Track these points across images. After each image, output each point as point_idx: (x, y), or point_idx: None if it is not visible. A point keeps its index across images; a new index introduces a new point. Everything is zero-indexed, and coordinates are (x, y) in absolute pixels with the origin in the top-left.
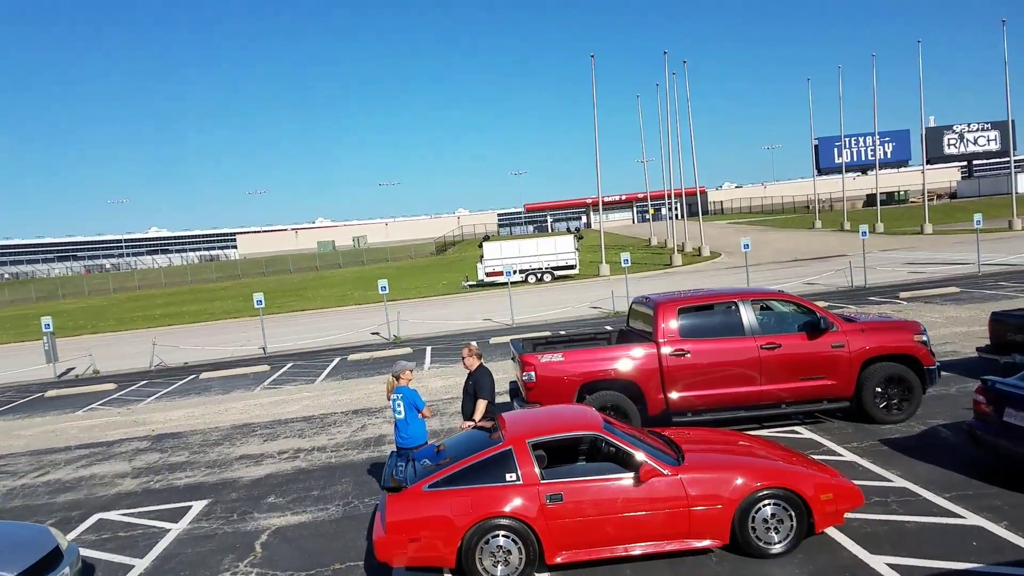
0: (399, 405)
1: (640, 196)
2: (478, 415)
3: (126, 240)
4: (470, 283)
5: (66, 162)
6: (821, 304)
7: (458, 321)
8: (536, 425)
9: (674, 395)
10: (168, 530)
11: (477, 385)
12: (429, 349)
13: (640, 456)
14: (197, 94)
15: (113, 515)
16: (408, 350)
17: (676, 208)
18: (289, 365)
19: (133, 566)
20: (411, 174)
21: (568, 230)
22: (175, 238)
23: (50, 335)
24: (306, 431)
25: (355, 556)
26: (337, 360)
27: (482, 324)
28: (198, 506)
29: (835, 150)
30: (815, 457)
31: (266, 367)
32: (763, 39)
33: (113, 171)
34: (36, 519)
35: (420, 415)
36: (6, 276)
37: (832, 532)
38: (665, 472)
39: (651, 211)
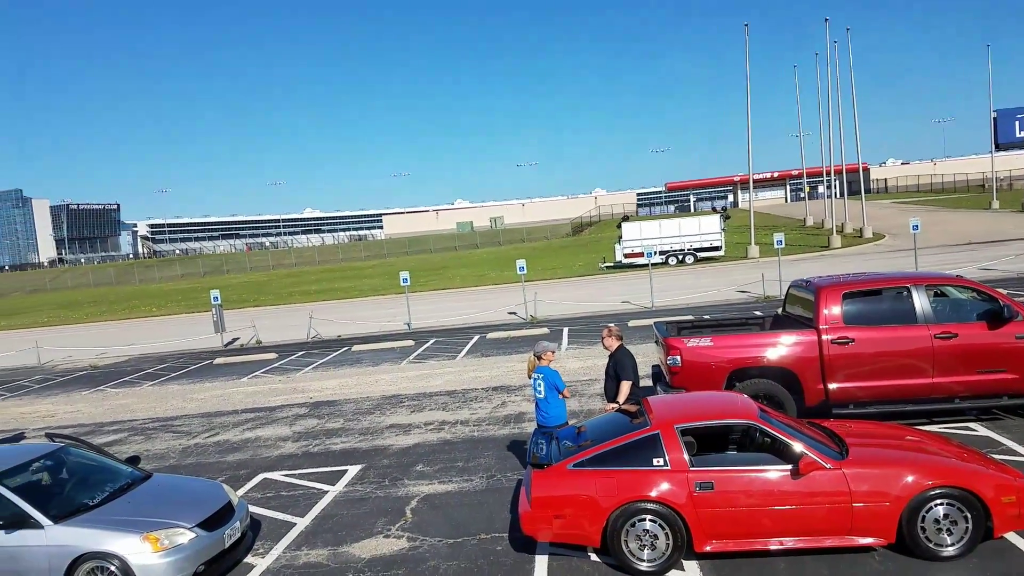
0: (540, 385)
1: (794, 173)
2: (622, 397)
3: (283, 220)
4: (607, 264)
5: (230, 146)
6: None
7: (595, 303)
8: (685, 410)
9: (835, 385)
10: (326, 492)
11: (619, 366)
12: (566, 330)
13: (799, 448)
14: (348, 84)
15: (276, 475)
16: (545, 330)
17: (835, 186)
18: (432, 341)
19: (295, 524)
20: (549, 155)
21: (713, 209)
22: (327, 218)
23: (218, 307)
24: (449, 404)
25: (499, 528)
26: (476, 338)
27: (620, 306)
28: (352, 470)
29: (1016, 123)
30: (994, 456)
31: (411, 342)
32: (934, 2)
33: (273, 156)
34: (208, 476)
35: (560, 396)
36: (177, 252)
37: (1012, 537)
38: (827, 466)
39: (806, 189)
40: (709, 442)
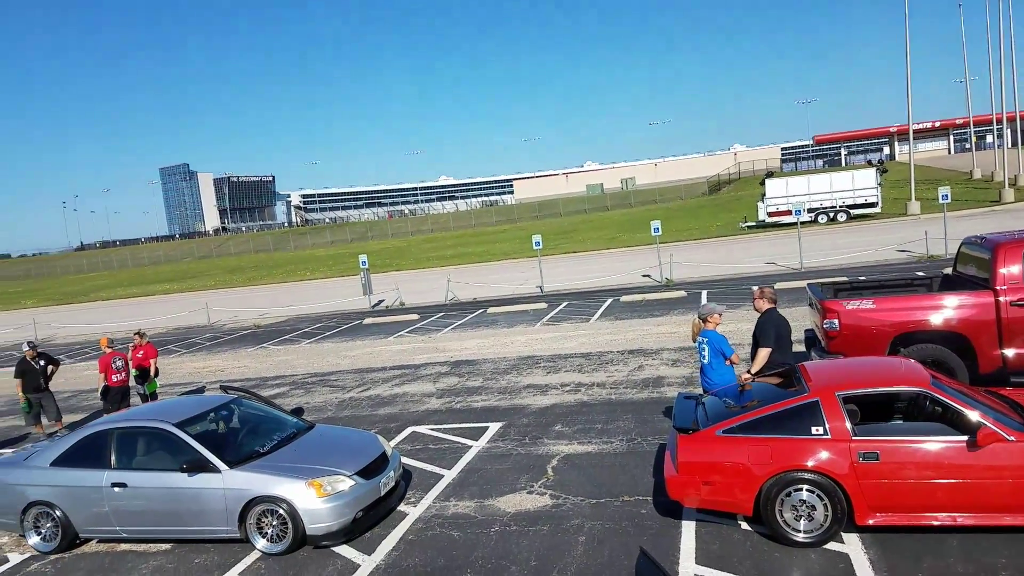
0: (704, 350)
1: (959, 122)
2: (756, 366)
3: (421, 188)
4: (749, 224)
5: (371, 119)
6: None
7: (736, 264)
8: (847, 377)
9: (1013, 351)
10: (470, 446)
11: (760, 330)
12: (704, 293)
13: (976, 417)
14: (481, 57)
15: (423, 429)
16: (682, 293)
17: (1006, 135)
18: (564, 304)
19: (443, 475)
20: (682, 111)
21: (868, 163)
22: (460, 185)
23: (366, 271)
24: (585, 367)
25: (643, 491)
26: (610, 301)
27: (764, 268)
28: (494, 427)
29: None
30: None
31: (544, 305)
32: None
33: (413, 126)
34: (363, 427)
35: (727, 362)
36: (326, 220)
37: None
38: (1009, 437)
39: (973, 139)
40: (872, 411)
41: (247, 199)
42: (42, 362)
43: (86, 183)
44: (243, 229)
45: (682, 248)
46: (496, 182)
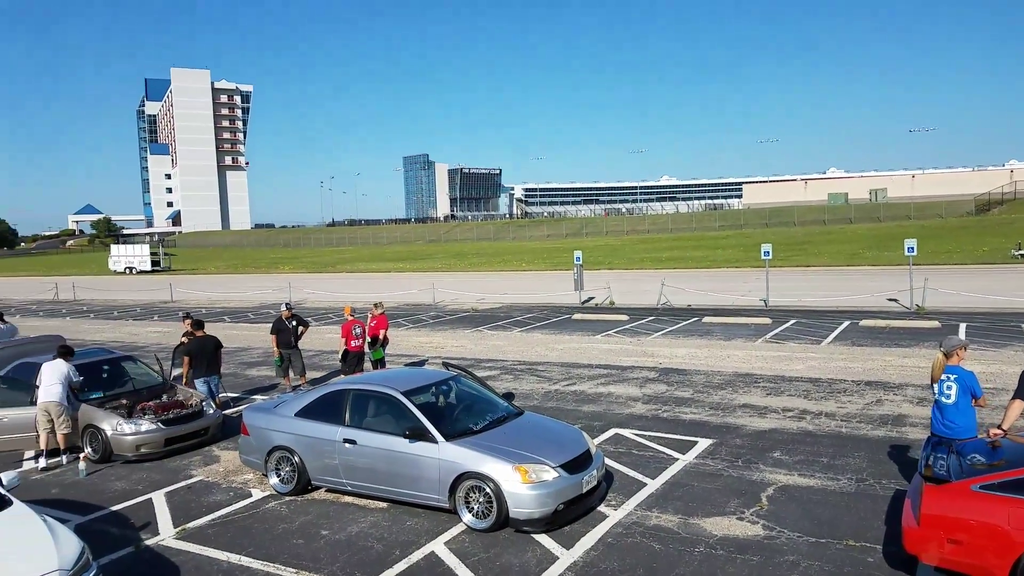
0: (950, 388)
1: None
2: (1007, 421)
3: (640, 187)
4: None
5: (595, 117)
6: None
7: (1006, 296)
8: None
9: None
10: (676, 459)
11: None
12: (963, 326)
13: None
14: (715, 54)
15: (627, 432)
16: (935, 323)
17: None
18: (792, 322)
19: (645, 484)
20: (950, 119)
21: None
22: (683, 186)
23: (579, 267)
24: (812, 393)
25: (871, 538)
26: (846, 323)
27: None
28: (703, 443)
29: None
30: None
31: (767, 320)
32: None
33: (636, 125)
34: (566, 421)
35: (975, 403)
36: (544, 214)
37: None
38: None
39: None
40: None
41: (475, 190)
42: (294, 322)
43: (342, 166)
44: (469, 217)
45: (939, 273)
46: (723, 185)
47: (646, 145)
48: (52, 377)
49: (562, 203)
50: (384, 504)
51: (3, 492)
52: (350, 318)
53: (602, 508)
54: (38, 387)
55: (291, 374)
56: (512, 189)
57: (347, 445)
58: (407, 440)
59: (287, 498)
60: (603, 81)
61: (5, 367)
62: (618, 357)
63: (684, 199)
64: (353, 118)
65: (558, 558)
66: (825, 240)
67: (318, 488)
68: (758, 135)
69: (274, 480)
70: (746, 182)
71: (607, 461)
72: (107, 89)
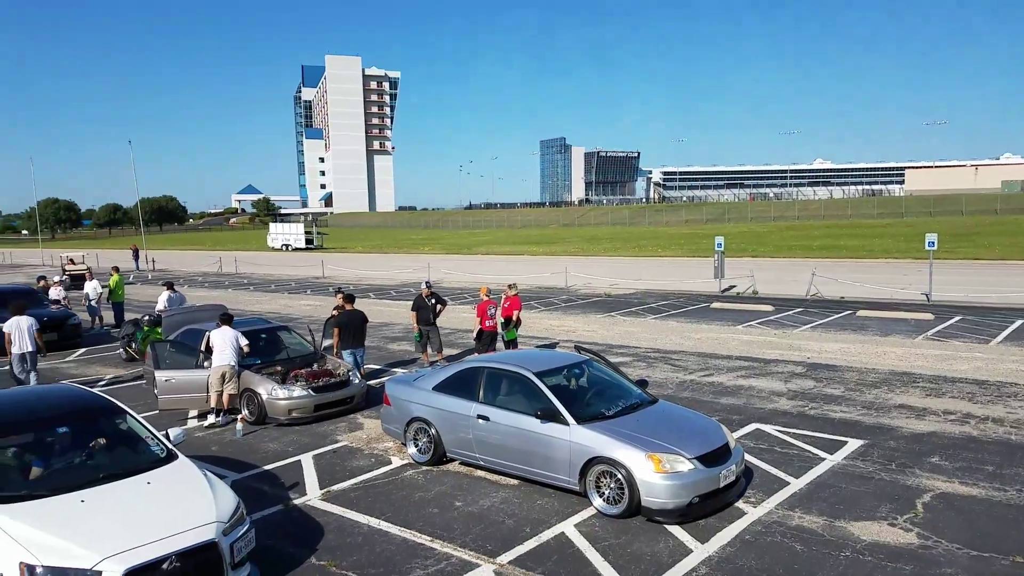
0: None
1: None
2: None
3: (790, 171)
4: None
5: (741, 98)
6: None
7: None
8: None
9: None
10: (823, 459)
11: None
12: None
13: None
14: (874, 29)
15: (769, 429)
16: None
17: None
18: (957, 318)
19: (788, 483)
20: None
21: None
22: (838, 170)
23: (720, 254)
24: (977, 395)
25: None
26: (1020, 323)
27: None
28: (853, 444)
29: None
30: None
31: (929, 316)
32: None
33: (786, 104)
34: (703, 413)
35: None
36: (684, 199)
37: None
38: None
39: None
40: None
41: (611, 173)
42: (433, 300)
43: (480, 151)
44: (604, 202)
45: None
46: (882, 169)
47: (798, 126)
48: (224, 342)
49: (703, 187)
50: (515, 481)
51: (171, 447)
52: (485, 298)
53: (740, 504)
54: (202, 351)
55: (429, 350)
56: (650, 173)
57: (480, 421)
58: (538, 420)
59: (424, 468)
60: (752, 59)
61: (174, 332)
62: (761, 349)
63: (839, 184)
64: (492, 102)
65: (692, 551)
66: (997, 231)
67: (452, 460)
68: (924, 116)
69: (412, 450)
70: (909, 167)
71: (747, 457)
72: (268, 76)
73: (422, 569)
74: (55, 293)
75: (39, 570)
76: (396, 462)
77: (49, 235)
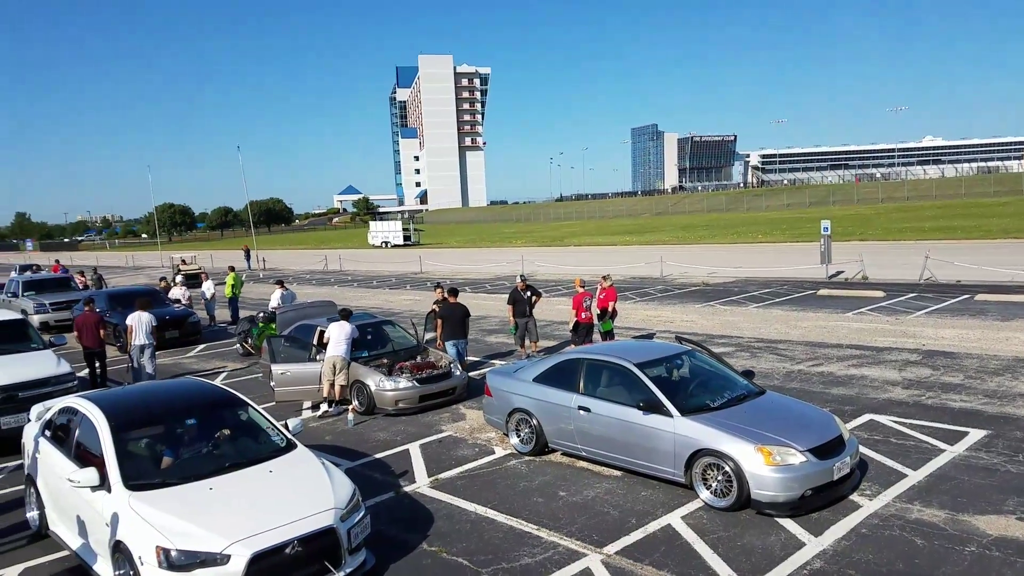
0: None
1: None
2: None
3: (898, 149)
4: None
5: (845, 74)
6: None
7: None
8: None
9: None
10: (942, 450)
11: None
12: None
13: None
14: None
15: (884, 419)
16: None
17: None
18: None
19: (906, 475)
20: None
21: None
22: (950, 147)
23: (827, 238)
24: None
25: None
26: None
27: None
28: (975, 434)
29: None
30: None
31: None
32: None
33: (890, 81)
34: (813, 404)
35: None
36: (784, 182)
37: None
38: None
39: None
40: None
41: (706, 159)
42: (528, 293)
43: (570, 142)
44: (699, 188)
45: None
46: (999, 145)
47: (906, 102)
48: (340, 335)
49: (804, 170)
50: (618, 472)
51: (290, 436)
52: (580, 290)
53: (855, 497)
54: (314, 345)
55: (525, 342)
56: (747, 156)
57: (581, 412)
58: (641, 412)
59: (526, 457)
60: (854, 33)
61: (288, 328)
62: (872, 337)
63: (951, 162)
64: (582, 92)
65: (805, 544)
66: None
67: (555, 451)
68: None
69: (514, 440)
70: None
71: (861, 449)
72: (365, 79)
73: (530, 557)
74: (176, 293)
75: (174, 553)
76: (499, 452)
77: (166, 238)
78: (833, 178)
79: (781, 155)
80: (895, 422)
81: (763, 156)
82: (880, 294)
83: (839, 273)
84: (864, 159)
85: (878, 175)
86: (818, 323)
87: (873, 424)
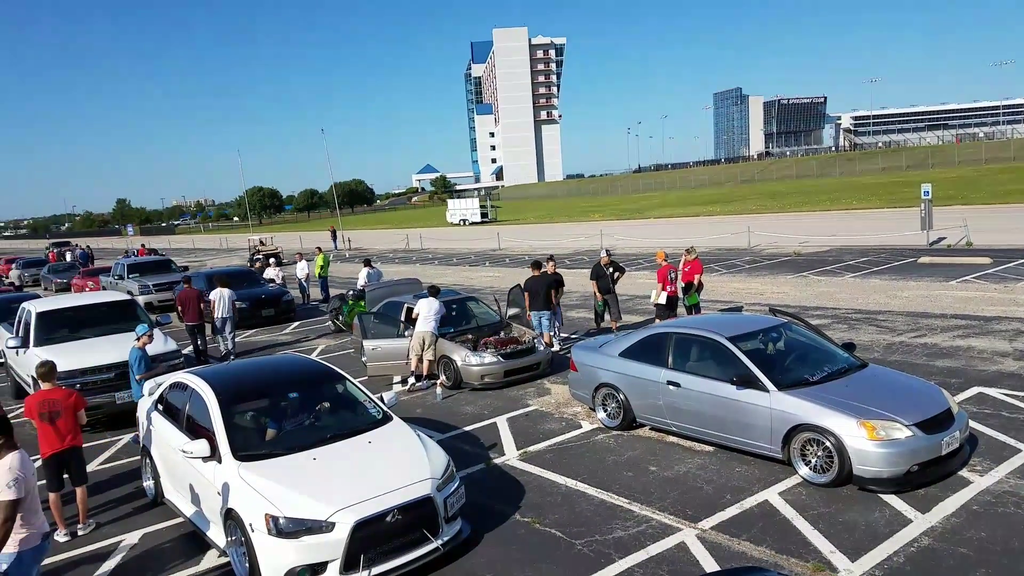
0: None
1: None
2: None
3: (1003, 107)
4: None
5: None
6: None
7: None
8: None
9: None
10: None
11: None
12: None
13: None
14: None
15: (994, 392)
16: None
17: None
18: None
19: (1020, 451)
20: None
21: None
22: None
23: (927, 203)
24: None
25: None
26: None
27: None
28: None
29: None
30: None
31: None
32: None
33: (993, 33)
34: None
35: None
36: (879, 145)
37: None
38: None
39: None
40: None
41: (794, 122)
42: (611, 268)
43: (648, 111)
44: (787, 154)
45: None
46: None
47: (1012, 55)
48: (428, 311)
49: (900, 131)
50: (710, 448)
51: (386, 409)
52: (664, 263)
53: (964, 473)
54: (403, 321)
55: (607, 316)
56: (838, 119)
57: (671, 387)
58: (734, 387)
59: (614, 432)
60: None
61: (377, 305)
62: (980, 306)
63: None
64: (660, 58)
65: (911, 521)
66: None
67: (643, 426)
68: None
69: (601, 414)
70: None
71: (970, 423)
72: (440, 59)
73: (623, 530)
74: (271, 273)
75: (282, 521)
76: (586, 426)
77: (256, 220)
78: (932, 139)
79: (875, 116)
80: (1007, 395)
81: (855, 118)
82: (986, 260)
83: (941, 239)
84: (965, 118)
85: (981, 135)
86: (920, 292)
87: (983, 397)
